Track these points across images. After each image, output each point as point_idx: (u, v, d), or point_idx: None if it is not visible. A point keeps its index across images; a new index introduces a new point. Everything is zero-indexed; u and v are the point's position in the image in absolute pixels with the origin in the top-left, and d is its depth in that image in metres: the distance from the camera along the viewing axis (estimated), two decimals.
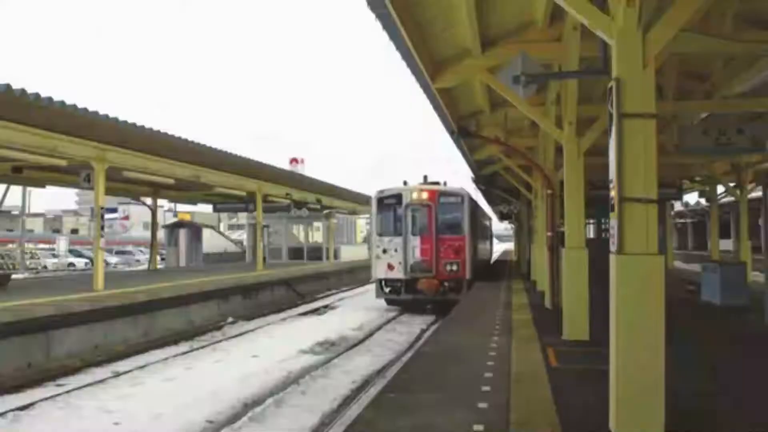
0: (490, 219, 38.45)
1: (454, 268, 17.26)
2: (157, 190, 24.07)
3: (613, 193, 4.61)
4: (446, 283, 17.39)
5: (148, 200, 25.87)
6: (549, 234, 12.25)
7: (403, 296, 17.77)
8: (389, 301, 18.54)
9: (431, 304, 17.42)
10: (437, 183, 18.98)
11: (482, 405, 5.60)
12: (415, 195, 17.85)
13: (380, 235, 18.07)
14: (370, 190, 20.10)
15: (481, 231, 24.79)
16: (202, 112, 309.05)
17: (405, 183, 18.63)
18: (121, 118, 12.83)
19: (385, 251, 17.67)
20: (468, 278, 17.36)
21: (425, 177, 19.20)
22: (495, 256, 49.88)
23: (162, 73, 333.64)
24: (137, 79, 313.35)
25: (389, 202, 18.12)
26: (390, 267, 17.61)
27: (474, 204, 20.21)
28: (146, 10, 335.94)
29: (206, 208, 34.45)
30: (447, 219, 17.91)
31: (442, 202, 17.80)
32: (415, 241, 17.55)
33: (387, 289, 18.21)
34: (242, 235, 49.29)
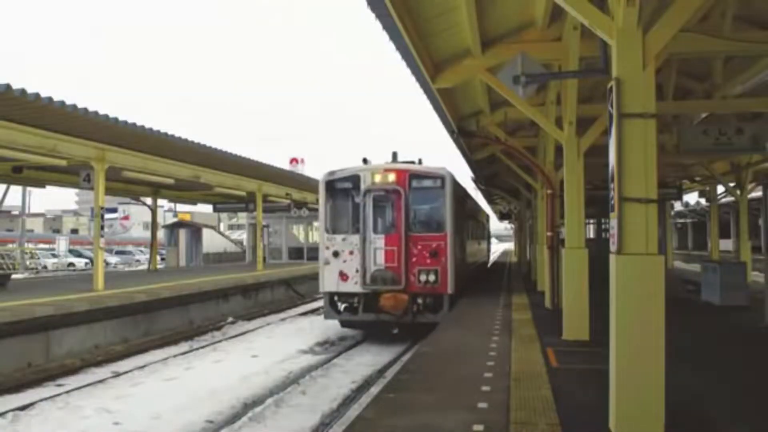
0: (487, 216, 34.24)
1: (431, 278, 12.56)
2: (157, 190, 24.09)
3: (613, 193, 4.61)
4: (419, 300, 12.72)
5: (148, 200, 25.88)
6: (549, 234, 12.24)
7: (360, 316, 12.95)
8: (344, 323, 13.89)
9: (399, 329, 12.90)
10: (412, 163, 14.11)
11: (482, 405, 5.60)
12: (377, 177, 13.06)
13: (330, 232, 13.33)
14: None
15: (472, 227, 20.16)
16: (210, 115, 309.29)
17: (365, 161, 13.75)
18: (121, 118, 12.84)
19: (336, 254, 13.00)
20: (450, 293, 12.72)
21: (395, 154, 14.24)
22: (494, 256, 49.53)
23: (167, 76, 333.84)
24: (145, 82, 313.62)
25: (343, 187, 13.40)
26: (343, 276, 12.94)
27: (460, 190, 15.52)
28: (155, 13, 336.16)
29: (206, 208, 34.47)
30: (422, 210, 13.37)
31: (415, 187, 13.03)
32: (378, 241, 12.92)
33: (341, 306, 13.39)
34: (242, 235, 49.33)
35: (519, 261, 32.09)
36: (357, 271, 12.86)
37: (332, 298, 13.31)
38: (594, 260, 9.00)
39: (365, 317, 12.90)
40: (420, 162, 14.20)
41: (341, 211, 13.59)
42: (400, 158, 14.12)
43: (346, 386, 9.37)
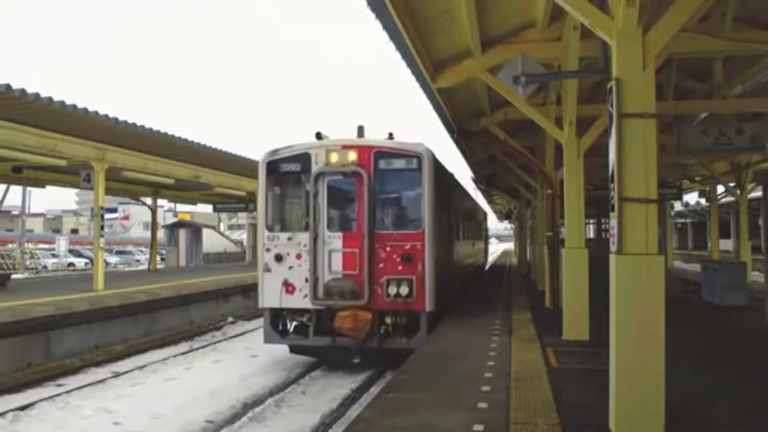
0: (485, 213, 31.34)
1: (404, 290, 9.71)
2: (157, 190, 24.10)
3: (613, 193, 4.61)
4: (388, 319, 9.89)
5: (148, 200, 25.91)
6: (549, 234, 12.25)
7: (312, 340, 10.18)
8: (293, 348, 10.77)
9: (363, 358, 9.95)
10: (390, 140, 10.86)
11: (482, 405, 5.60)
12: (333, 157, 10.15)
13: (272, 229, 10.46)
14: None
15: (463, 223, 16.40)
16: (210, 114, 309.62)
17: (319, 136, 10.64)
18: (121, 118, 12.86)
19: (279, 258, 10.19)
20: (429, 310, 9.81)
21: (360, 128, 11.11)
22: (493, 257, 49.11)
23: (167, 76, 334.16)
24: (145, 82, 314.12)
25: (289, 170, 10.49)
26: (289, 287, 10.11)
27: (444, 175, 12.25)
28: (155, 13, 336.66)
29: (206, 208, 34.50)
30: (392, 200, 10.51)
31: (383, 169, 10.12)
32: (334, 241, 10.10)
33: (290, 326, 10.59)
34: (242, 235, 49.34)
35: (519, 261, 31.99)
36: (306, 280, 10.01)
37: (276, 315, 10.41)
38: (594, 260, 9.01)
39: (318, 341, 10.10)
40: (391, 137, 10.92)
41: (287, 202, 10.87)
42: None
43: (346, 386, 9.37)
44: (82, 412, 8.15)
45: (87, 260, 37.95)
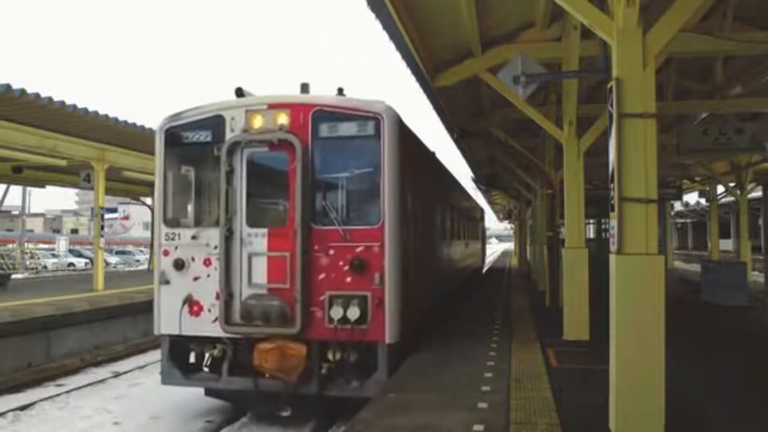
0: (482, 210, 28.55)
1: (354, 313, 6.89)
2: None
3: (613, 193, 4.61)
4: (331, 354, 7.06)
5: (148, 200, 25.91)
6: (549, 234, 12.25)
7: (225, 382, 7.34)
8: (207, 391, 7.84)
9: (295, 408, 7.19)
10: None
11: (482, 405, 5.59)
12: (256, 120, 7.32)
13: (171, 223, 7.70)
14: None
15: (450, 217, 13.33)
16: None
17: (240, 93, 7.71)
18: (121, 118, 12.87)
19: (180, 266, 7.41)
20: (391, 341, 7.01)
21: (305, 86, 8.17)
22: (493, 257, 48.98)
23: (167, 76, 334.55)
24: (145, 82, 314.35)
25: (195, 140, 7.57)
26: (194, 306, 7.34)
27: (416, 147, 9.11)
28: (155, 13, 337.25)
29: None
30: (338, 181, 7.41)
31: (325, 137, 7.25)
32: (256, 241, 7.27)
33: (205, 359, 7.63)
34: None
35: (519, 262, 31.96)
36: (217, 297, 7.21)
37: (179, 345, 7.55)
38: (594, 260, 9.01)
39: (233, 384, 7.30)
40: (341, 93, 7.77)
41: (192, 186, 7.95)
42: None
43: None
44: (82, 412, 8.16)
45: (87, 260, 37.91)
